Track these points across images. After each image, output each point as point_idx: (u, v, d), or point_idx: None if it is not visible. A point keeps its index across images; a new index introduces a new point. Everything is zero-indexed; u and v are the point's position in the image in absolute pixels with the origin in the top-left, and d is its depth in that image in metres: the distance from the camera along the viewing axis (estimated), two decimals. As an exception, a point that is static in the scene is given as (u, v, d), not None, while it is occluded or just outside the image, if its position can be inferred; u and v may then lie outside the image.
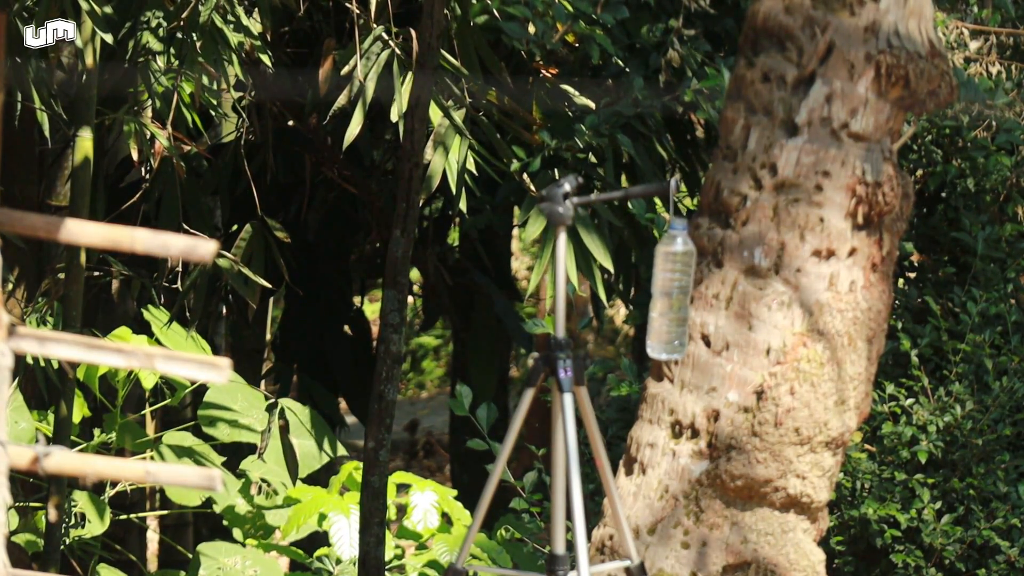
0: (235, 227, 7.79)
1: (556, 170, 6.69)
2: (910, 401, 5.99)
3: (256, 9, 6.51)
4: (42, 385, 6.28)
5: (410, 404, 16.81)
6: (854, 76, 4.44)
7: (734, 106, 4.56)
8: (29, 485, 6.76)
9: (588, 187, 6.65)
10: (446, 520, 6.97)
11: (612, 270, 6.54)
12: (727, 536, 4.47)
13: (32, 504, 6.70)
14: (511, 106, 6.68)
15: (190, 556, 7.14)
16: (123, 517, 7.21)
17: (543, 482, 6.15)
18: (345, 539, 6.72)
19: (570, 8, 6.54)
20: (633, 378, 6.22)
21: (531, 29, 6.62)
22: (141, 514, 7.76)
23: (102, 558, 6.85)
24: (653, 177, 6.93)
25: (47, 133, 6.48)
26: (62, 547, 6.39)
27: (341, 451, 7.17)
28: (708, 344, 4.51)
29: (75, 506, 6.54)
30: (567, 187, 3.99)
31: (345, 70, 6.26)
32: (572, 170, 6.64)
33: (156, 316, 6.97)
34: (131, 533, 7.90)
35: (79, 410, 6.69)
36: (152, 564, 9.47)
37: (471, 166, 6.45)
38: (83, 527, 6.55)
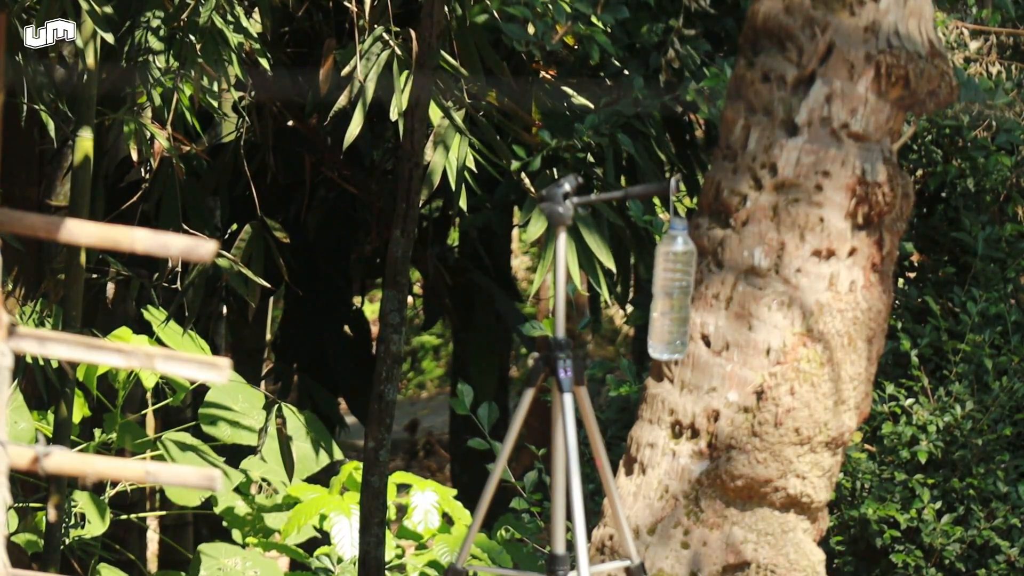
0: (235, 227, 7.79)
1: (555, 170, 6.69)
2: (910, 401, 5.99)
3: (256, 9, 6.51)
4: (42, 385, 6.28)
5: (410, 404, 16.81)
6: (854, 76, 4.44)
7: (734, 106, 4.56)
8: (29, 485, 6.76)
9: (588, 187, 6.65)
10: (446, 520, 6.97)
11: (615, 269, 6.55)
12: (727, 536, 4.47)
13: (32, 504, 6.70)
14: (511, 106, 6.68)
15: (190, 556, 7.14)
16: (123, 517, 7.21)
17: (543, 482, 6.15)
18: (346, 539, 6.72)
19: (569, 9, 6.55)
20: (633, 378, 6.22)
21: (530, 30, 6.62)
22: (141, 514, 7.76)
23: (102, 558, 6.85)
24: (653, 177, 6.93)
25: (52, 133, 6.48)
26: (62, 547, 6.39)
27: (338, 455, 7.17)
28: (708, 344, 4.51)
29: (75, 506, 6.54)
30: (567, 187, 3.99)
31: (345, 71, 6.26)
32: (572, 170, 6.64)
33: (156, 316, 6.98)
34: (131, 533, 7.90)
35: (79, 410, 6.69)
36: (152, 564, 9.47)
37: (471, 164, 6.46)
38: (83, 527, 6.55)
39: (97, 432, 6.91)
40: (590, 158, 6.75)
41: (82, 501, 6.56)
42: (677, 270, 4.11)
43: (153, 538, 9.64)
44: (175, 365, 2.60)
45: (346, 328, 9.30)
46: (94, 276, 6.75)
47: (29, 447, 2.64)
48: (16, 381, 6.47)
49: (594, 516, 4.89)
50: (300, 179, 8.29)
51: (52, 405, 6.43)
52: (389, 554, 6.82)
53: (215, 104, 6.28)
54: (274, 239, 6.82)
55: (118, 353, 2.62)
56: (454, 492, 7.09)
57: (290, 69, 7.55)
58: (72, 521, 6.52)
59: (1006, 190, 6.31)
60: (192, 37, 5.97)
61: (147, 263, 7.01)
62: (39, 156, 7.27)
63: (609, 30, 6.79)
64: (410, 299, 9.02)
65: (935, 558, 5.91)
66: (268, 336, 10.27)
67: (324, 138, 8.00)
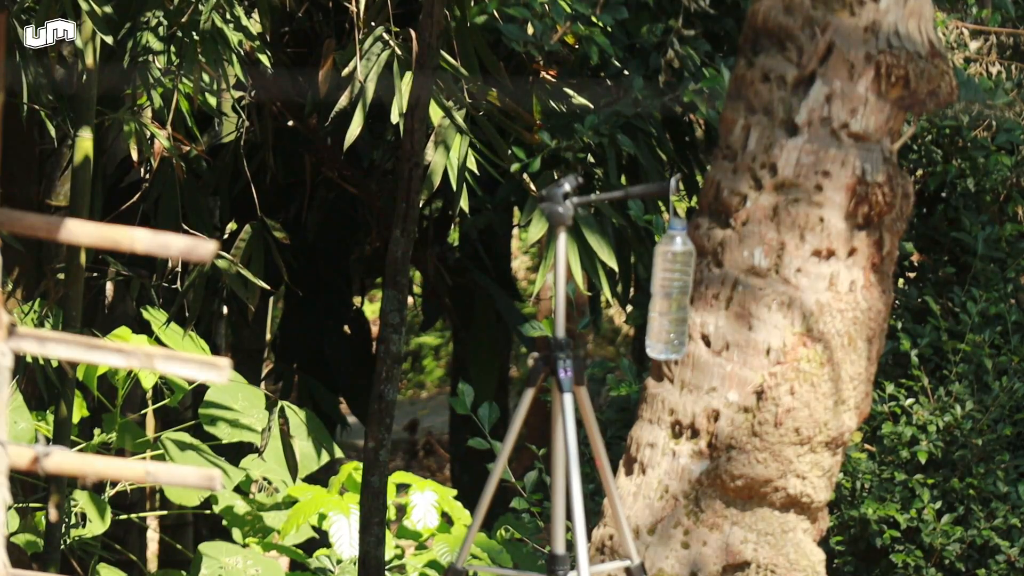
0: (235, 227, 7.79)
1: (555, 170, 6.70)
2: (910, 401, 5.99)
3: (256, 9, 6.51)
4: (42, 385, 6.28)
5: (410, 404, 16.81)
6: (854, 76, 4.44)
7: (734, 106, 4.56)
8: (29, 485, 6.76)
9: (588, 187, 6.65)
10: (446, 520, 6.97)
11: (616, 268, 6.55)
12: (727, 536, 4.47)
13: (32, 504, 6.70)
14: (511, 107, 6.68)
15: (190, 556, 7.14)
16: (123, 517, 7.21)
17: (543, 482, 6.15)
18: (345, 539, 6.72)
19: (568, 9, 6.54)
20: (633, 378, 6.22)
21: (529, 30, 6.62)
22: (141, 514, 7.76)
23: (102, 558, 6.85)
24: (655, 177, 6.93)
25: (53, 133, 6.48)
26: (62, 547, 6.39)
27: (338, 454, 7.17)
28: (708, 344, 4.51)
29: (75, 506, 6.54)
30: (567, 187, 3.99)
31: (345, 71, 6.26)
32: (572, 170, 6.64)
33: (155, 316, 6.98)
34: (131, 533, 7.90)
35: (79, 410, 6.68)
36: (152, 564, 9.47)
37: (472, 165, 6.46)
38: (83, 527, 6.55)
39: (97, 432, 6.91)
40: (590, 158, 6.75)
41: (82, 501, 6.56)
42: (676, 270, 4.11)
43: (153, 538, 9.63)
44: (175, 365, 2.60)
45: (346, 328, 9.30)
46: (94, 276, 6.75)
47: (29, 447, 2.64)
48: (16, 381, 6.47)
49: (594, 516, 4.89)
50: (300, 179, 8.29)
51: (52, 405, 6.43)
52: (389, 554, 6.82)
53: (214, 104, 6.28)
54: (274, 239, 6.82)
55: (118, 353, 2.62)
56: (454, 492, 7.08)
57: (290, 69, 7.55)
58: (72, 521, 6.52)
59: (1006, 190, 6.32)
60: (193, 35, 5.97)
61: (147, 263, 7.01)
62: (39, 156, 7.27)
63: (609, 30, 6.79)
64: (410, 299, 9.02)
65: (935, 558, 5.91)
66: (268, 336, 10.27)
67: (324, 138, 7.99)
